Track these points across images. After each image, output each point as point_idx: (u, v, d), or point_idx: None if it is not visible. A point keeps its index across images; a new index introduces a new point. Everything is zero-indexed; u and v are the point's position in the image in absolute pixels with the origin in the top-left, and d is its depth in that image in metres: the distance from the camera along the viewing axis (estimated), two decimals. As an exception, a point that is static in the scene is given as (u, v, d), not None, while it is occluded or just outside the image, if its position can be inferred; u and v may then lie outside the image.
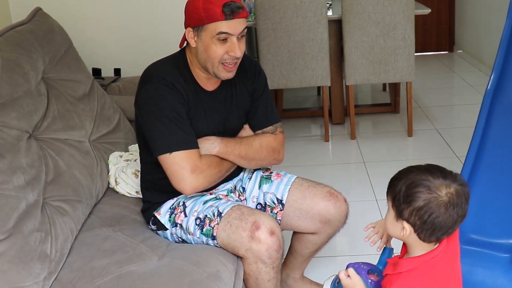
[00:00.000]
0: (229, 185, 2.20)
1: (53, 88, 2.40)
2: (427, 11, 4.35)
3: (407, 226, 1.52)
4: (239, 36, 1.95)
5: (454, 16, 6.98)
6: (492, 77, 2.78)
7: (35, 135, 2.18)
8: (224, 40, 1.92)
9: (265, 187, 2.21)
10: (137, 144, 2.68)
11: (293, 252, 2.37)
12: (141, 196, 2.37)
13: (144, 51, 3.27)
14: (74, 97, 2.49)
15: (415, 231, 1.52)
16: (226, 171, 2.09)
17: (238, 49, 1.93)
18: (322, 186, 2.22)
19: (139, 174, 2.42)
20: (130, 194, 2.41)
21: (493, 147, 2.72)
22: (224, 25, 1.89)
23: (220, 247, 1.97)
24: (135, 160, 2.50)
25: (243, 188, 2.24)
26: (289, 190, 2.19)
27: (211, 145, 2.03)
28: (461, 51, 6.88)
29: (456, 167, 3.73)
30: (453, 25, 7.03)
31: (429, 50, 6.98)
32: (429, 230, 1.50)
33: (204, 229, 1.98)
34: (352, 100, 4.35)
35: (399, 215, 1.53)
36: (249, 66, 2.18)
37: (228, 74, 2.00)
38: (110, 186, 2.46)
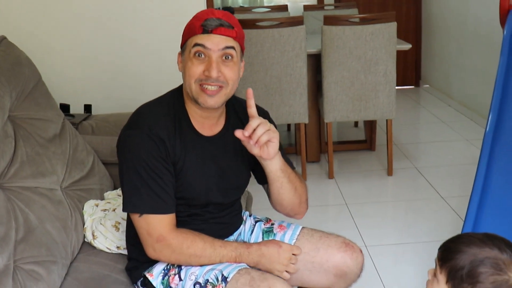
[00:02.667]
0: (230, 240, 1.93)
1: (20, 128, 2.10)
2: (407, 46, 4.22)
3: None
4: (224, 57, 1.71)
5: (420, 51, 6.92)
6: (490, 118, 2.68)
7: (1, 184, 1.89)
8: (203, 57, 1.69)
9: None
10: (114, 191, 2.41)
11: None
12: (122, 252, 2.09)
13: (117, 86, 2.99)
14: (44, 138, 2.19)
15: None
16: (208, 259, 1.74)
17: (214, 68, 1.68)
18: (335, 236, 1.98)
19: (120, 226, 2.13)
20: (110, 249, 2.11)
21: (497, 190, 2.58)
22: (199, 38, 1.68)
23: (225, 317, 1.70)
24: (114, 210, 2.21)
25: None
26: (294, 244, 1.94)
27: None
28: (427, 85, 6.81)
29: (442, 209, 3.60)
30: (420, 59, 6.97)
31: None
32: None
33: (205, 296, 1.71)
34: (330, 138, 4.14)
35: None
36: (260, 113, 1.93)
37: (208, 100, 1.72)
38: (86, 240, 2.16)
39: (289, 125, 5.31)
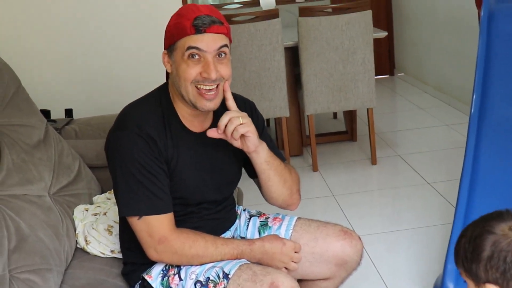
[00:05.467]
0: (228, 235, 1.90)
1: (5, 136, 2.05)
2: (383, 34, 4.22)
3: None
4: (217, 56, 1.66)
5: (393, 39, 6.95)
6: (474, 98, 2.68)
7: (-11, 193, 1.83)
8: (197, 58, 1.64)
9: (265, 235, 1.93)
10: (102, 195, 2.37)
11: None
12: (117, 256, 2.04)
13: (97, 89, 2.93)
14: (29, 145, 2.14)
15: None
16: (209, 258, 1.72)
17: (212, 70, 1.63)
18: (332, 225, 1.96)
19: (113, 230, 2.08)
20: (104, 254, 2.06)
21: (486, 170, 2.59)
22: (192, 39, 1.62)
23: (230, 314, 1.66)
24: (105, 214, 2.17)
25: (242, 238, 1.94)
26: (291, 235, 1.92)
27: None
28: (402, 74, 6.83)
29: (429, 193, 3.60)
30: (393, 48, 6.99)
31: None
32: None
33: (208, 294, 1.67)
34: (313, 130, 4.13)
35: (477, 280, 1.29)
36: (243, 106, 1.89)
37: (207, 104, 1.69)
38: (78, 246, 2.11)
39: (267, 120, 5.28)
